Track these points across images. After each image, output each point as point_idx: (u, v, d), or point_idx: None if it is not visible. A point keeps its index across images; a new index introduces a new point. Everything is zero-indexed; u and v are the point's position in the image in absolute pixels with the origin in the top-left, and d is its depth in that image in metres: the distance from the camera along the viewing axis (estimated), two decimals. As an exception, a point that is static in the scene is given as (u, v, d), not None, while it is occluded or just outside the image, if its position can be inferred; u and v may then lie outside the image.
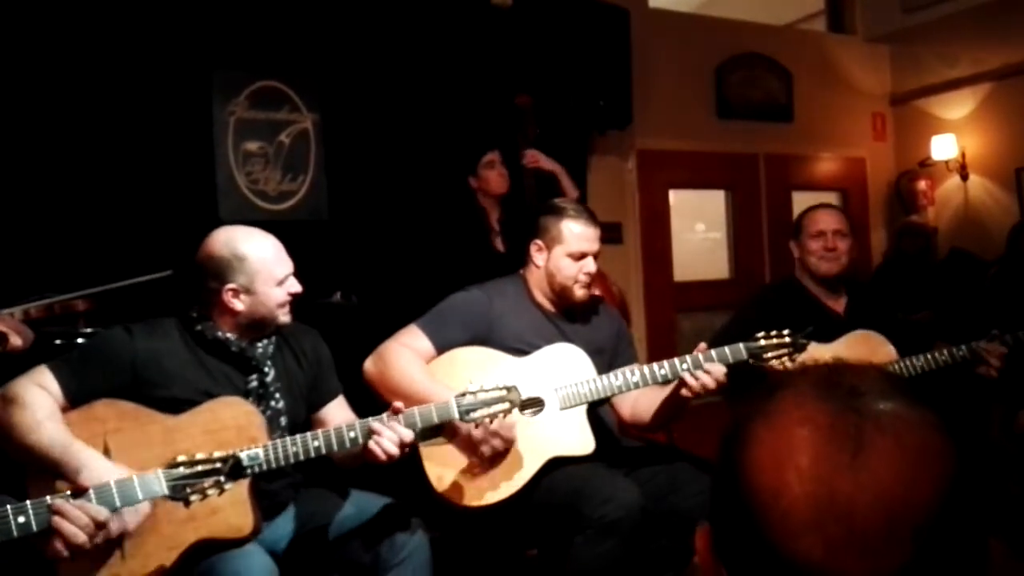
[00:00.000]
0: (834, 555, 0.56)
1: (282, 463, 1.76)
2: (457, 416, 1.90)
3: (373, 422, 1.82)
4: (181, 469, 1.53)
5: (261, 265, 1.91)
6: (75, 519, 1.40)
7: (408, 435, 1.82)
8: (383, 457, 1.79)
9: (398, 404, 1.86)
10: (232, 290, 1.90)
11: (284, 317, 1.97)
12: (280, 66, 3.60)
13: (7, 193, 3.01)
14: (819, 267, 2.66)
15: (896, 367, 2.55)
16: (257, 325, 1.95)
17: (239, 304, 1.91)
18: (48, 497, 1.43)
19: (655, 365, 2.21)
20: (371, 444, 1.79)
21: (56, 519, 1.40)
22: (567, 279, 2.31)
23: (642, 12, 4.76)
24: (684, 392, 2.15)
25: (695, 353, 2.19)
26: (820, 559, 0.56)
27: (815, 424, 0.60)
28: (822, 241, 2.64)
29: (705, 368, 2.13)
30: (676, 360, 2.20)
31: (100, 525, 1.43)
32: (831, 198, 5.75)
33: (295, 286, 1.97)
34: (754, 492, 0.60)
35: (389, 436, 1.80)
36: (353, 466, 1.98)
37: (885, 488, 0.57)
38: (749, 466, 0.61)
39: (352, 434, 1.81)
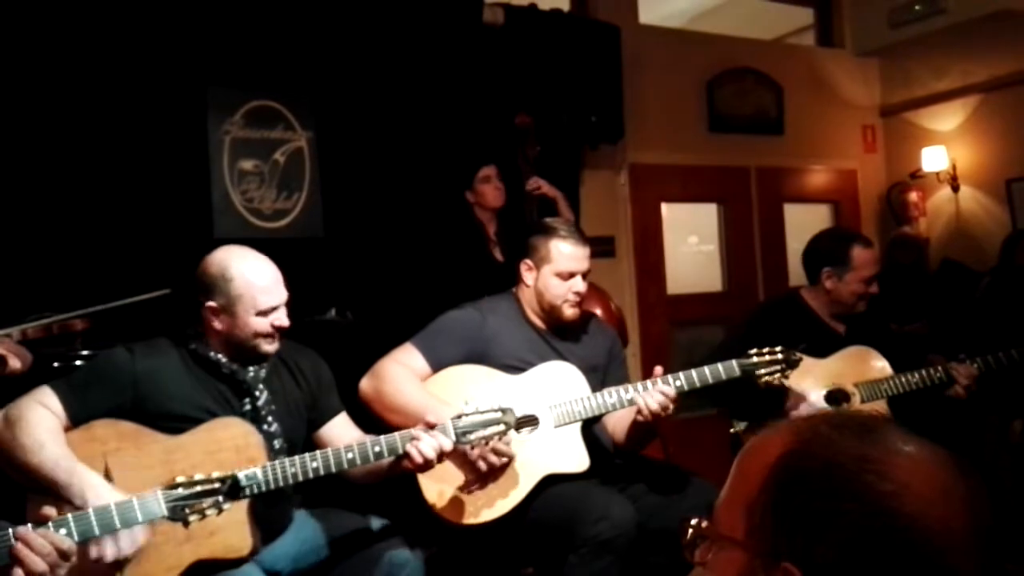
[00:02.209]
0: (987, 571, 0.64)
1: (280, 483, 1.77)
2: (453, 439, 1.91)
3: (415, 430, 1.87)
4: (180, 490, 1.54)
5: (245, 290, 1.90)
6: (38, 548, 1.38)
7: (448, 444, 1.86)
8: (419, 460, 1.83)
9: (431, 419, 1.89)
10: (211, 308, 1.91)
11: (267, 347, 1.94)
12: (275, 85, 3.62)
13: (2, 212, 3.02)
14: (856, 307, 2.63)
15: (890, 383, 2.58)
16: (238, 349, 1.95)
17: (218, 323, 1.92)
18: (11, 528, 1.41)
19: (648, 382, 2.22)
20: (409, 448, 1.83)
21: (18, 546, 1.38)
22: (555, 298, 2.33)
23: (633, 28, 4.80)
24: (638, 417, 2.17)
25: (653, 377, 2.21)
26: None
27: (940, 460, 0.68)
28: (870, 287, 2.61)
29: (655, 391, 2.15)
30: (669, 377, 2.22)
31: (64, 555, 1.40)
32: (823, 210, 5.79)
33: (281, 320, 1.94)
34: (921, 520, 0.64)
35: (429, 442, 1.84)
36: (371, 481, 2.00)
37: (989, 509, 0.66)
38: (910, 498, 0.64)
39: (350, 456, 1.83)
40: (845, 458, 0.66)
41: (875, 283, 2.63)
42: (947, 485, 0.66)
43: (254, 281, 1.91)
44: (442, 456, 1.86)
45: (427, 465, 1.86)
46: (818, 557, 0.64)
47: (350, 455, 1.83)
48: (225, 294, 1.90)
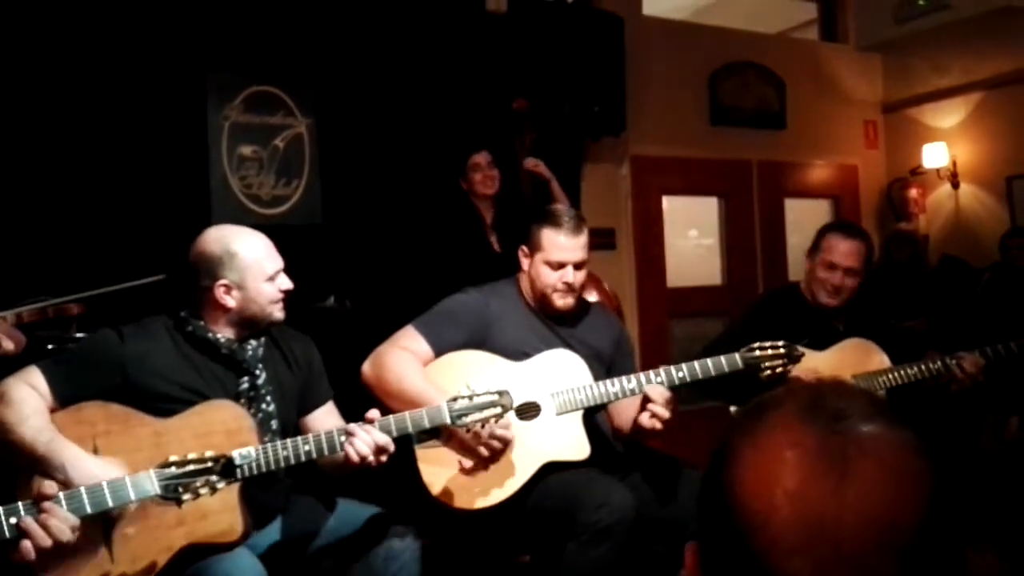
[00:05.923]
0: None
1: (273, 466, 1.75)
2: (449, 421, 1.90)
3: (351, 425, 1.82)
4: (173, 469, 1.53)
5: (252, 261, 1.92)
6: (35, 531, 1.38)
7: (383, 439, 1.80)
8: (355, 459, 1.77)
9: (371, 414, 1.84)
10: (224, 286, 1.90)
11: (278, 314, 1.97)
12: (275, 71, 3.59)
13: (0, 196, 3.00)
14: (818, 296, 2.63)
15: (889, 375, 2.57)
16: (249, 322, 1.95)
17: (231, 300, 1.91)
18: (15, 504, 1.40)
19: (651, 373, 2.21)
20: (346, 446, 1.78)
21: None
22: (546, 287, 2.31)
23: (636, 19, 4.77)
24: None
25: (681, 365, 2.19)
26: None
27: (802, 447, 0.61)
28: (831, 275, 2.60)
29: (652, 396, 2.12)
30: (672, 368, 2.20)
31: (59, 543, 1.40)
32: (823, 205, 5.78)
33: (286, 283, 1.98)
34: (743, 513, 0.61)
35: (363, 438, 1.78)
36: (338, 474, 1.97)
37: (871, 510, 0.58)
38: (738, 487, 0.62)
39: (343, 438, 1.81)
40: (726, 441, 0.67)
41: (842, 276, 2.58)
42: (785, 477, 0.60)
43: (256, 252, 1.94)
44: (382, 454, 1.79)
45: (363, 463, 1.78)
46: (700, 537, 0.67)
47: (342, 438, 1.81)
48: (235, 269, 1.91)
